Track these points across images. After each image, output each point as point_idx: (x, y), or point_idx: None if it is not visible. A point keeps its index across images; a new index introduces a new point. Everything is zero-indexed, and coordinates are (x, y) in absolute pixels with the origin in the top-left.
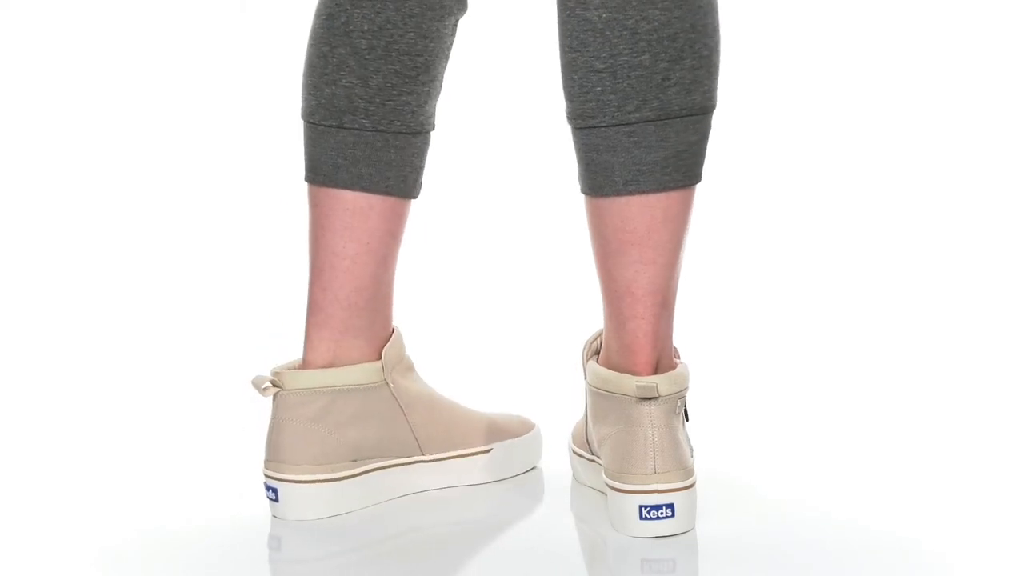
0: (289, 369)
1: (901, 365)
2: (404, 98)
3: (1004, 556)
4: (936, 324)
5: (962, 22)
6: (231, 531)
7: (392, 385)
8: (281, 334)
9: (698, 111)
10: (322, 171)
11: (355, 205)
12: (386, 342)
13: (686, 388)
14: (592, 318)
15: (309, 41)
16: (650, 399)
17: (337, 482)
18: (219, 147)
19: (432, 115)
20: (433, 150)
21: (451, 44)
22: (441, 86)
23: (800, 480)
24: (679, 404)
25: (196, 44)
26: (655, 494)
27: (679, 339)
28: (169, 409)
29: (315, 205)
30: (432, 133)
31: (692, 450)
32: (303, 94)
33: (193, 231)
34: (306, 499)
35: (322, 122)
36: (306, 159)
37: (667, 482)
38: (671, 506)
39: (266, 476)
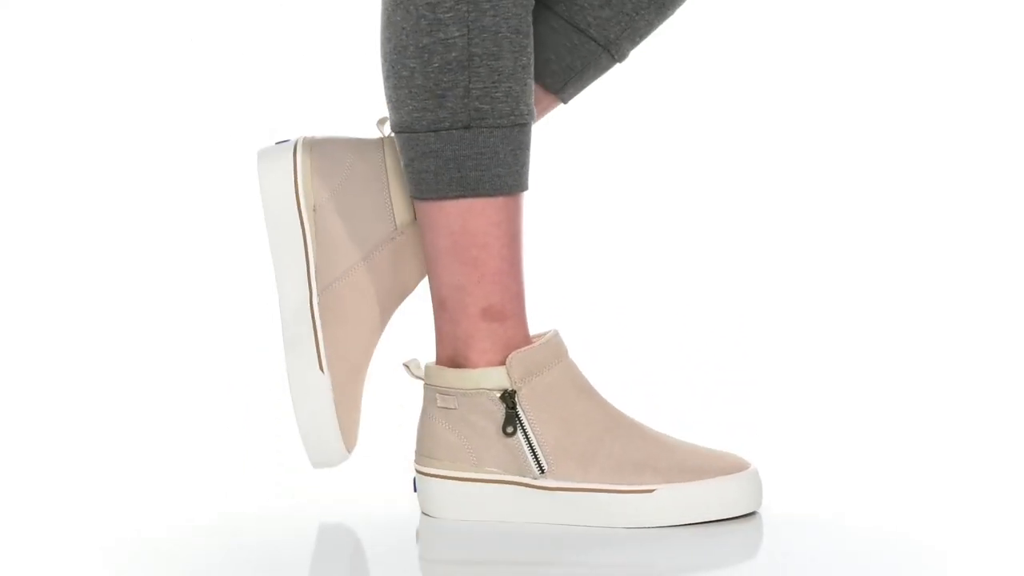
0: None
1: (895, 367)
2: None
3: (1003, 556)
4: (929, 326)
5: (961, 20)
6: (231, 531)
7: None
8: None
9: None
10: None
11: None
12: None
13: (434, 385)
14: (591, 318)
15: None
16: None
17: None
18: (223, 148)
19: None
20: None
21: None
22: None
23: (795, 482)
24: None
25: (197, 44)
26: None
27: (676, 340)
28: (169, 410)
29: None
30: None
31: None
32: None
33: (198, 233)
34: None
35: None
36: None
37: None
38: (414, 480)
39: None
